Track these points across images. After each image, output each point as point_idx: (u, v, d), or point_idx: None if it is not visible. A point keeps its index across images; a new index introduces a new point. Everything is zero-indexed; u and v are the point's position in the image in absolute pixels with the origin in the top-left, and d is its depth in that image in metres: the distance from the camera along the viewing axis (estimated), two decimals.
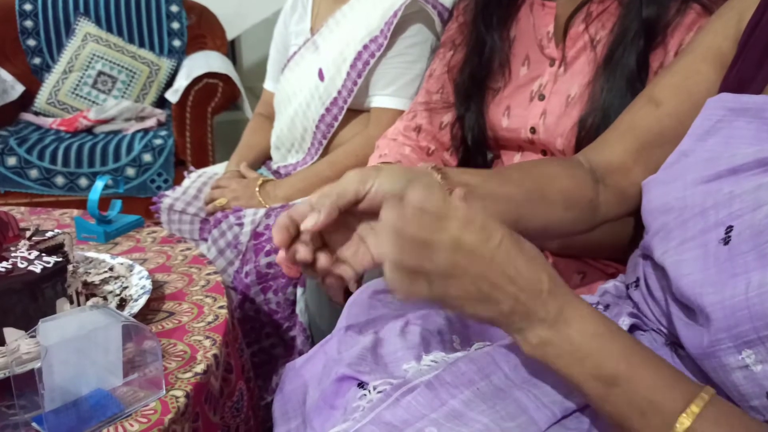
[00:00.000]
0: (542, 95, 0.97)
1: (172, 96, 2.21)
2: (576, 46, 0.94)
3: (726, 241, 0.52)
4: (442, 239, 0.46)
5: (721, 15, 0.70)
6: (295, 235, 0.58)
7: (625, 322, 0.62)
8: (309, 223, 0.56)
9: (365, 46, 1.25)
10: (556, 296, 0.49)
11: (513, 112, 1.00)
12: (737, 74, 0.64)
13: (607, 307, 0.69)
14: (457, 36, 1.09)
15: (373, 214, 0.59)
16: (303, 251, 0.57)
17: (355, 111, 1.33)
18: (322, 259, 0.59)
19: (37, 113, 2.43)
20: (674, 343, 0.61)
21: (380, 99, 1.29)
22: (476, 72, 1.03)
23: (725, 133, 0.59)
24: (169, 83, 2.46)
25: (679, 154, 0.63)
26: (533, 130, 0.97)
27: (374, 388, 0.59)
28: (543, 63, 0.98)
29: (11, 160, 2.07)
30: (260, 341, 1.26)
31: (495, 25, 1.01)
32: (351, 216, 0.60)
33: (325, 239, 0.61)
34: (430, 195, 0.47)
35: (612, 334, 0.49)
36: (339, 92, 1.29)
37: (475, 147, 1.07)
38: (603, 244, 0.91)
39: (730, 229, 0.52)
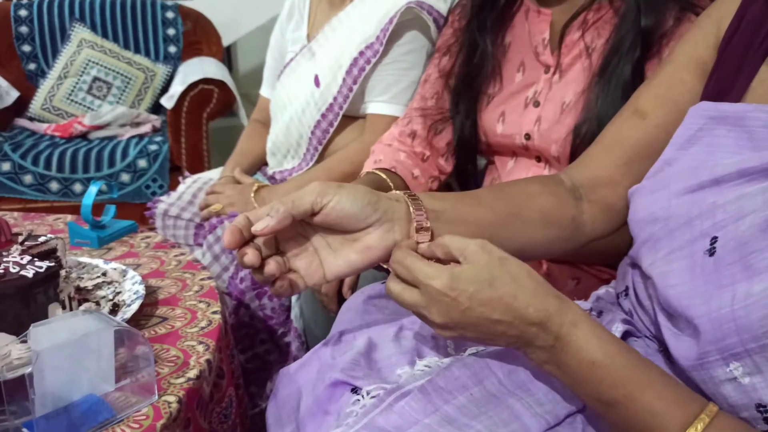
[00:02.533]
0: (537, 102, 0.97)
1: (168, 102, 2.21)
2: (571, 53, 0.94)
3: (711, 252, 0.52)
4: (430, 321, 0.54)
5: (700, 24, 0.69)
6: (249, 238, 0.57)
7: (618, 329, 0.62)
8: (259, 227, 0.55)
9: (361, 53, 1.26)
10: (549, 326, 0.51)
11: (508, 118, 1.00)
12: (716, 83, 0.64)
13: (600, 313, 0.69)
14: (452, 41, 1.09)
15: (328, 229, 0.59)
16: (250, 254, 0.56)
17: (351, 117, 1.33)
18: (271, 265, 0.57)
19: (31, 119, 2.42)
20: (667, 350, 0.61)
21: (376, 105, 1.29)
22: (469, 75, 1.04)
23: (707, 141, 0.59)
24: (165, 89, 2.46)
25: (662, 162, 0.63)
26: (528, 137, 0.97)
27: (368, 393, 0.59)
28: (538, 69, 0.98)
29: (5, 166, 2.06)
30: (255, 347, 1.26)
31: (489, 29, 1.02)
32: (308, 226, 0.60)
33: (280, 246, 0.60)
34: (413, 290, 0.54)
35: (611, 358, 0.50)
36: (335, 98, 1.29)
37: (465, 150, 1.07)
38: (598, 251, 0.90)
39: (714, 240, 0.52)
